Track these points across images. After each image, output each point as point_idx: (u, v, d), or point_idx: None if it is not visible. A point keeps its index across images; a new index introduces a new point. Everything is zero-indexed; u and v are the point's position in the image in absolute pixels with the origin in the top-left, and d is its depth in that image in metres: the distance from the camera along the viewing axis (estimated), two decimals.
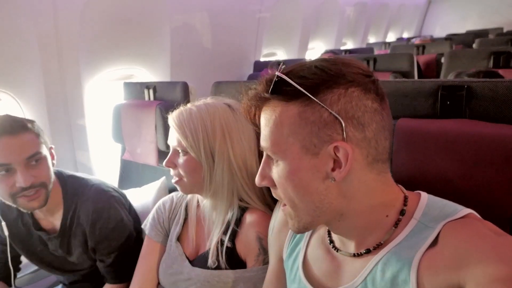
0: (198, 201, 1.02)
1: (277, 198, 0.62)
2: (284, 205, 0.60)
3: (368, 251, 0.59)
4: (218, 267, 0.89)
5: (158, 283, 1.01)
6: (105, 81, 1.96)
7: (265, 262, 0.85)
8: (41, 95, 1.63)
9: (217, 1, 2.51)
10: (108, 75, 1.96)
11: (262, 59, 3.19)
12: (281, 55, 3.65)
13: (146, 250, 1.04)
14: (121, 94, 1.63)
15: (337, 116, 0.52)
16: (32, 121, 1.09)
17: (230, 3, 2.64)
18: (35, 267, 1.43)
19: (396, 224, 0.57)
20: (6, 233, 1.18)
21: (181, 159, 0.91)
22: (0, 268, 1.27)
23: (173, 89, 1.44)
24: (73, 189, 1.17)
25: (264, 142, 0.58)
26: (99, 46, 1.84)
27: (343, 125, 0.52)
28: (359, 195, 0.56)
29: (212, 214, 0.95)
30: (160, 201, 1.08)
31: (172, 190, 1.26)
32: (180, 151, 0.91)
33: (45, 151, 1.08)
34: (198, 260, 0.93)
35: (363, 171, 0.55)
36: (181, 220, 1.02)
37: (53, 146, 1.15)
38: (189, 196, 1.03)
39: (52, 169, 1.11)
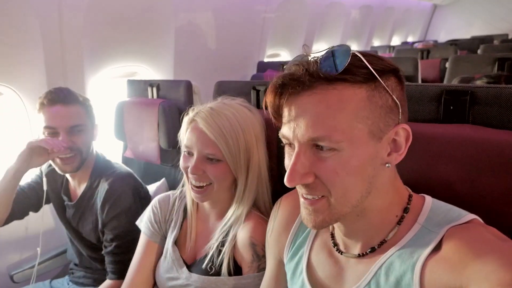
0: (198, 205, 1.00)
1: (308, 194, 0.56)
2: (316, 201, 0.55)
3: (373, 250, 0.59)
4: (215, 273, 0.88)
5: (155, 284, 1.00)
6: (108, 78, 1.97)
7: (260, 268, 0.83)
8: (43, 90, 1.63)
9: (222, 0, 2.51)
10: (111, 72, 1.97)
11: (266, 60, 3.19)
12: (285, 56, 3.65)
13: (143, 250, 1.01)
14: (124, 92, 1.64)
15: (398, 102, 0.54)
16: (86, 99, 1.27)
17: (235, 2, 2.64)
18: (33, 263, 1.43)
19: (400, 221, 0.57)
20: (45, 187, 1.34)
21: (213, 167, 0.86)
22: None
23: (176, 87, 1.44)
24: (102, 168, 1.29)
25: (317, 132, 0.51)
26: (103, 42, 1.84)
27: (400, 111, 0.54)
28: (383, 190, 0.57)
29: (221, 219, 0.93)
30: (155, 200, 1.05)
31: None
32: (211, 158, 0.85)
33: (89, 125, 1.26)
34: (196, 265, 0.92)
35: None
36: (179, 224, 0.99)
37: (98, 124, 1.32)
38: (188, 198, 0.99)
39: (91, 142, 1.28)
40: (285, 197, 0.79)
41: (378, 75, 0.51)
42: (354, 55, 0.51)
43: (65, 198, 1.35)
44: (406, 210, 0.58)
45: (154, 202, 1.04)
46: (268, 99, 0.57)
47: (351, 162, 0.52)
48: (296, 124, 0.53)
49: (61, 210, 1.38)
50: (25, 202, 1.33)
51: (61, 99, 1.19)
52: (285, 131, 0.56)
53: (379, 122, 0.53)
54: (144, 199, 1.30)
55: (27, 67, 1.56)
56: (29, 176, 1.39)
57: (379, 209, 0.57)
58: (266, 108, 0.59)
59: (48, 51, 1.59)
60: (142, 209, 1.24)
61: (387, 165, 0.54)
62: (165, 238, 1.01)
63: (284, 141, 0.58)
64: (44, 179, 1.34)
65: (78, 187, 1.33)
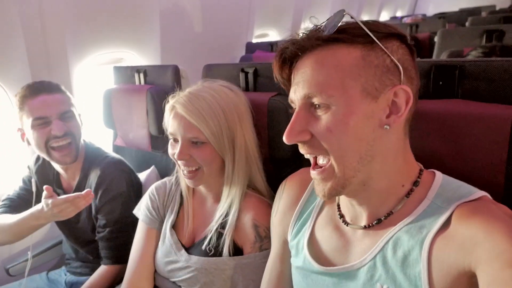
0: (193, 189, 1.00)
1: (307, 154, 0.59)
2: (322, 170, 0.57)
3: (379, 221, 0.59)
4: (215, 254, 0.88)
5: (155, 271, 1.01)
6: (94, 65, 1.92)
7: (262, 248, 0.85)
8: (27, 80, 1.59)
9: None
10: (97, 59, 1.91)
11: (254, 41, 3.14)
12: (273, 36, 3.60)
13: (144, 237, 1.01)
14: (111, 79, 1.60)
15: (398, 64, 0.53)
16: (66, 91, 1.26)
17: None
18: (27, 256, 1.43)
19: (408, 194, 0.57)
20: (34, 189, 1.29)
21: (198, 150, 0.86)
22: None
23: (164, 72, 1.41)
24: (92, 156, 1.29)
25: (311, 89, 0.54)
26: (87, 28, 1.78)
27: (402, 73, 0.54)
28: (389, 157, 0.56)
29: (218, 202, 0.93)
30: (153, 187, 1.06)
31: (163, 178, 1.25)
32: (195, 142, 0.86)
33: (76, 112, 1.25)
34: (195, 248, 0.93)
35: (401, 127, 0.57)
36: (176, 208, 1.00)
37: (81, 114, 1.30)
38: (182, 184, 1.00)
39: (81, 129, 1.26)
40: (290, 178, 0.80)
41: (375, 36, 0.52)
42: (351, 22, 0.54)
43: (59, 191, 1.33)
44: (416, 183, 0.58)
45: (151, 189, 1.05)
46: (274, 65, 0.60)
47: (345, 120, 0.53)
48: (297, 85, 0.57)
49: None
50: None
51: (45, 88, 1.17)
52: (291, 94, 0.59)
53: (373, 81, 0.53)
54: (136, 186, 1.30)
55: (7, 56, 1.51)
56: (20, 181, 1.38)
57: (385, 176, 0.57)
58: (275, 76, 0.62)
59: (29, 40, 1.54)
60: (134, 196, 1.25)
61: (385, 126, 0.54)
62: (163, 223, 1.01)
63: (292, 106, 0.60)
64: (33, 180, 1.30)
65: (72, 178, 1.31)
